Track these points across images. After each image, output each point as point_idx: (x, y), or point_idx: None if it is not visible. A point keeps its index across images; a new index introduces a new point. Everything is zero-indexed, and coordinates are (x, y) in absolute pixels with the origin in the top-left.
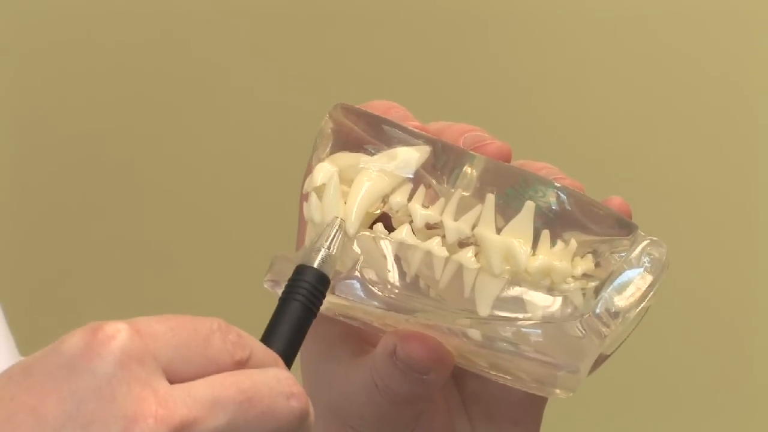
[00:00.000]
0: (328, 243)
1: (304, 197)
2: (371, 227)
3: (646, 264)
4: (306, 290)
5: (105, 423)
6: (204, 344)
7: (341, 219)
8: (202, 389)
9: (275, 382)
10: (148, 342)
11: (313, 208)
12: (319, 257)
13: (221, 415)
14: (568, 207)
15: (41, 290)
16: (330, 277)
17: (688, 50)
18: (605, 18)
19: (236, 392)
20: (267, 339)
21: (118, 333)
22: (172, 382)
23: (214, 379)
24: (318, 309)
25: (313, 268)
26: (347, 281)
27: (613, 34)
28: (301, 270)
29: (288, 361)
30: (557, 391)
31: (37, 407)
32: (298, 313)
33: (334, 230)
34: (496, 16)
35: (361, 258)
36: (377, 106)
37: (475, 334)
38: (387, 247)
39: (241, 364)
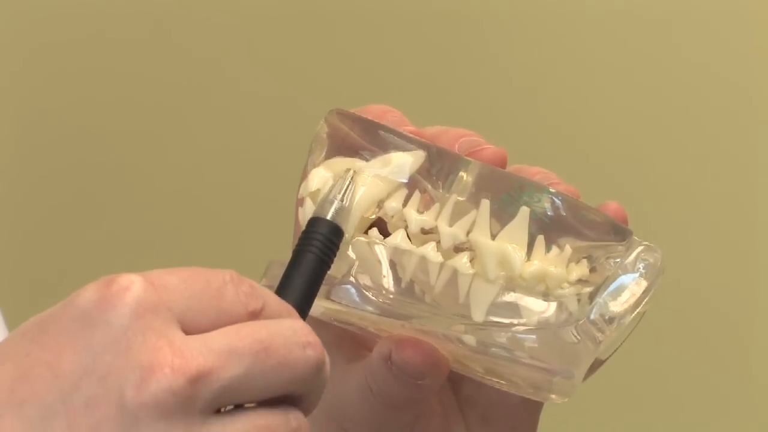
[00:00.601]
0: (341, 195)
1: (300, 202)
2: (366, 232)
3: (641, 269)
4: (319, 242)
5: (122, 374)
6: (217, 295)
7: (354, 171)
8: (218, 339)
9: (291, 332)
10: (161, 293)
11: (308, 213)
12: (333, 209)
13: (237, 364)
14: (563, 212)
15: (41, 290)
16: (344, 228)
17: (685, 53)
18: (601, 21)
19: (252, 342)
20: (281, 290)
21: (132, 284)
22: (186, 333)
23: (230, 329)
24: (332, 260)
25: (326, 219)
26: (342, 286)
27: (610, 38)
28: (314, 222)
29: (302, 313)
30: (553, 396)
31: (52, 362)
32: (311, 265)
33: (347, 182)
34: (492, 19)
35: (357, 263)
36: (373, 111)
37: (470, 339)
38: (382, 252)
39: (254, 315)
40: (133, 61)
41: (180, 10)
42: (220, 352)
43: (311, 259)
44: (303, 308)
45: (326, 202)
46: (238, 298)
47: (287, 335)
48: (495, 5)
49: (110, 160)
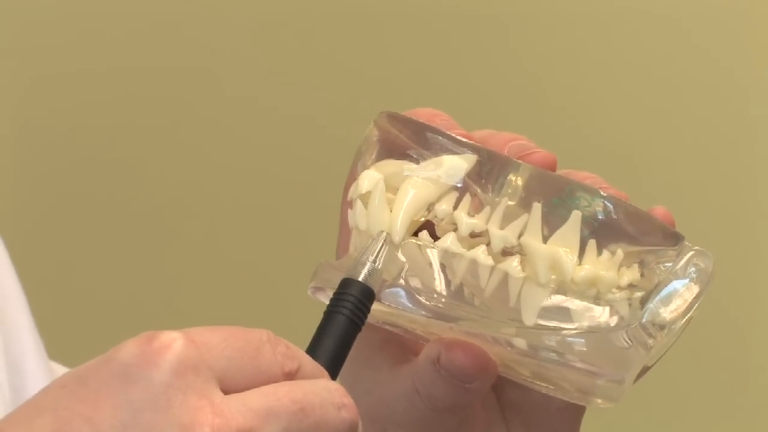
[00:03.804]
0: (373, 257)
1: (349, 204)
2: (416, 235)
3: (692, 275)
4: (351, 303)
5: None
6: (255, 355)
7: (387, 233)
8: (257, 399)
9: (326, 393)
10: (203, 351)
11: (359, 216)
12: (365, 271)
13: (276, 424)
14: (615, 216)
15: (40, 291)
16: (375, 290)
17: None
18: (655, 26)
19: (290, 402)
20: (312, 352)
21: (174, 342)
22: (225, 391)
23: (267, 389)
24: (363, 323)
25: (358, 281)
26: (392, 289)
27: (659, 42)
28: (346, 283)
29: (333, 375)
30: (599, 400)
31: (92, 416)
32: (343, 327)
33: (380, 244)
34: (538, 23)
35: (407, 266)
36: (421, 114)
37: (520, 343)
38: (432, 255)
39: (290, 375)
40: (134, 62)
41: (186, 12)
42: (258, 412)
43: (342, 321)
44: (334, 370)
45: (359, 263)
46: (275, 358)
47: (323, 396)
48: (549, 12)
49: (110, 160)
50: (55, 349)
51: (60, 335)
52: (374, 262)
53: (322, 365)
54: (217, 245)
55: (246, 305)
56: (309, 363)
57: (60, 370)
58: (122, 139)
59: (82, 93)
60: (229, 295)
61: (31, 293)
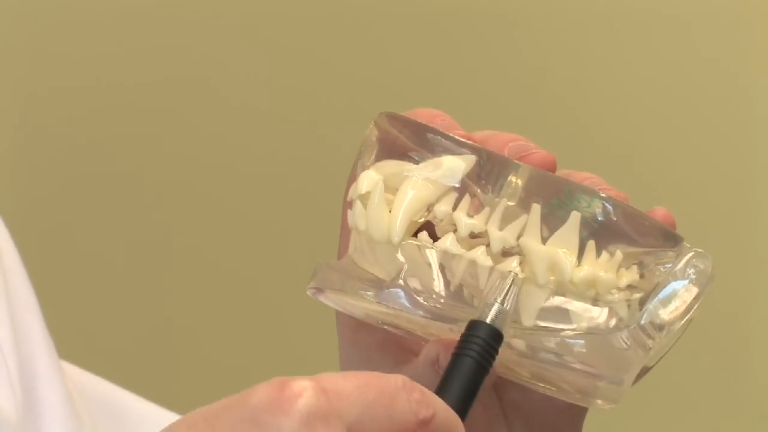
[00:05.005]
0: (501, 298)
1: (349, 205)
2: (415, 235)
3: (692, 276)
4: (479, 346)
5: None
6: (390, 403)
7: (516, 274)
8: None
9: None
10: (333, 401)
11: (358, 216)
12: (492, 312)
13: None
14: (614, 218)
15: (50, 291)
16: (504, 332)
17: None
18: (653, 25)
19: None
20: (440, 395)
21: (305, 391)
22: None
23: None
24: (491, 365)
25: (486, 323)
26: (391, 290)
27: (660, 42)
28: (474, 325)
29: (461, 418)
30: (599, 401)
31: None
32: (470, 369)
33: (508, 285)
34: (538, 23)
35: (406, 266)
36: (421, 114)
37: (518, 344)
38: (432, 255)
39: (424, 424)
40: (134, 62)
41: (189, 13)
42: None
43: (470, 363)
44: (462, 414)
45: (486, 305)
46: (410, 406)
47: None
48: (544, 11)
49: (109, 161)
50: (65, 349)
51: (70, 335)
52: (502, 303)
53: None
54: (222, 244)
55: (247, 305)
56: (443, 410)
57: (70, 369)
58: (124, 141)
59: (82, 93)
60: (232, 295)
61: (41, 293)
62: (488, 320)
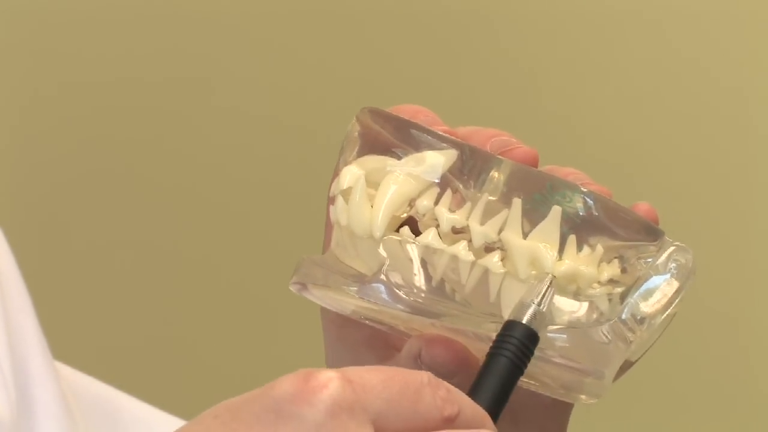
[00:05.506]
0: (538, 299)
1: (331, 200)
2: (397, 231)
3: (673, 270)
4: (514, 346)
5: None
6: (415, 398)
7: (553, 275)
8: None
9: None
10: (359, 393)
11: (340, 211)
12: (529, 313)
13: None
14: (595, 212)
15: (44, 291)
16: (539, 333)
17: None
18: (636, 21)
19: None
20: (473, 394)
21: (330, 382)
22: None
23: None
24: (525, 366)
25: (522, 323)
26: (373, 284)
27: (642, 39)
28: (510, 325)
29: (494, 419)
30: (582, 396)
31: None
32: (505, 369)
33: (545, 286)
34: (523, 19)
35: (387, 261)
36: (405, 110)
37: None
38: (413, 250)
39: (449, 421)
40: (135, 62)
41: (190, 13)
42: None
43: (504, 363)
44: (495, 414)
45: (523, 305)
46: (435, 402)
47: None
48: (526, 3)
49: (109, 162)
50: (59, 350)
51: (64, 336)
52: (539, 304)
53: (483, 408)
54: (214, 243)
55: (239, 303)
56: (470, 407)
57: (64, 370)
58: (124, 141)
59: (82, 94)
60: (224, 294)
61: (35, 294)
62: (525, 321)
